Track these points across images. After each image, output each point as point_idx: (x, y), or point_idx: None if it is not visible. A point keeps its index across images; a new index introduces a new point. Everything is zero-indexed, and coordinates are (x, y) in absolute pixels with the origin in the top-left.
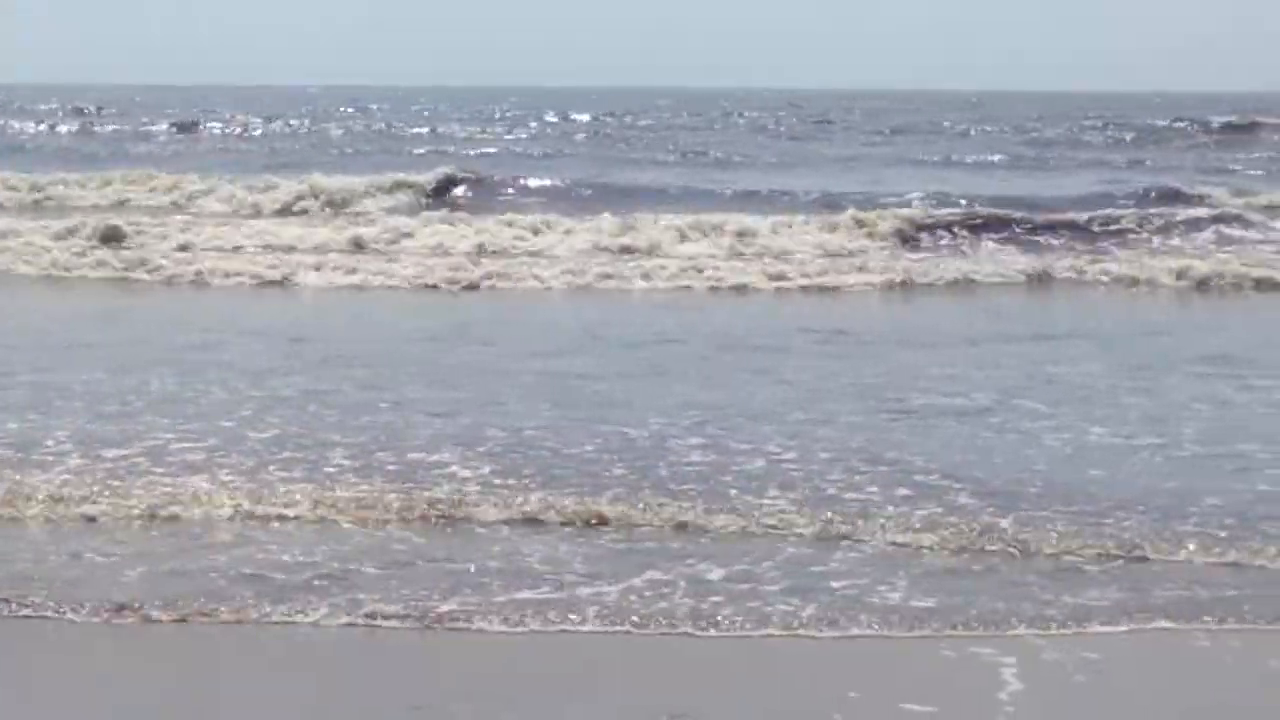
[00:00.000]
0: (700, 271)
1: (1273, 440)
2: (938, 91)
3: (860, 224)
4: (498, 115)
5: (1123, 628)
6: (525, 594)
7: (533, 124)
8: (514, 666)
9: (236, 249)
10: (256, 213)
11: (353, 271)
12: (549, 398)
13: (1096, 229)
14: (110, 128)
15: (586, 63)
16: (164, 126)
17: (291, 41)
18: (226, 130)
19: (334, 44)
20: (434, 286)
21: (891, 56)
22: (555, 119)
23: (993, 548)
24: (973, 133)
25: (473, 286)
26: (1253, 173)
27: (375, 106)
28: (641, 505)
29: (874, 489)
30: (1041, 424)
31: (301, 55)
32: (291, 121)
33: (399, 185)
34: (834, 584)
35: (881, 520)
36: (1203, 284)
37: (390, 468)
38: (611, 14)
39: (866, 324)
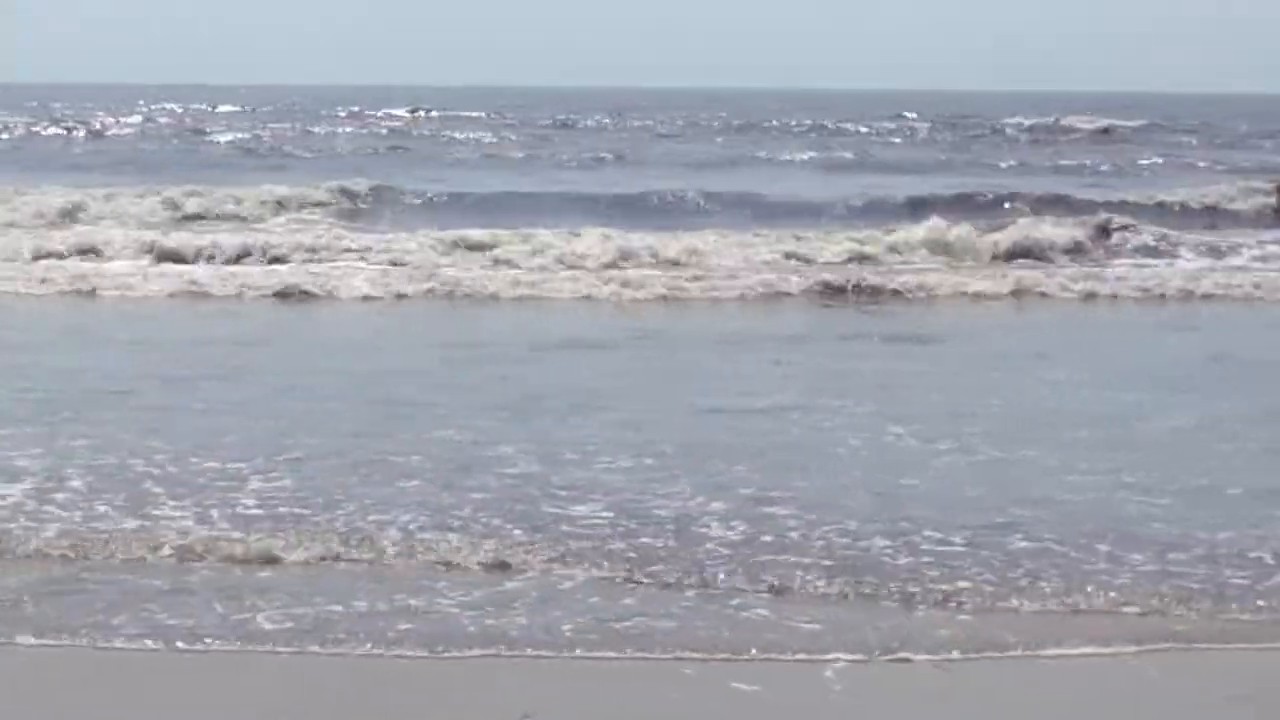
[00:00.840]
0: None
1: (1061, 444)
2: (940, 92)
3: None
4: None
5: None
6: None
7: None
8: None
9: None
10: None
11: None
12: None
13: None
14: None
15: (586, 63)
16: None
17: (292, 41)
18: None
19: (334, 44)
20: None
21: (889, 58)
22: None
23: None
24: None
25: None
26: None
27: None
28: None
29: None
30: (843, 423)
31: (302, 55)
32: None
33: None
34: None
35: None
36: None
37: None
38: (611, 14)
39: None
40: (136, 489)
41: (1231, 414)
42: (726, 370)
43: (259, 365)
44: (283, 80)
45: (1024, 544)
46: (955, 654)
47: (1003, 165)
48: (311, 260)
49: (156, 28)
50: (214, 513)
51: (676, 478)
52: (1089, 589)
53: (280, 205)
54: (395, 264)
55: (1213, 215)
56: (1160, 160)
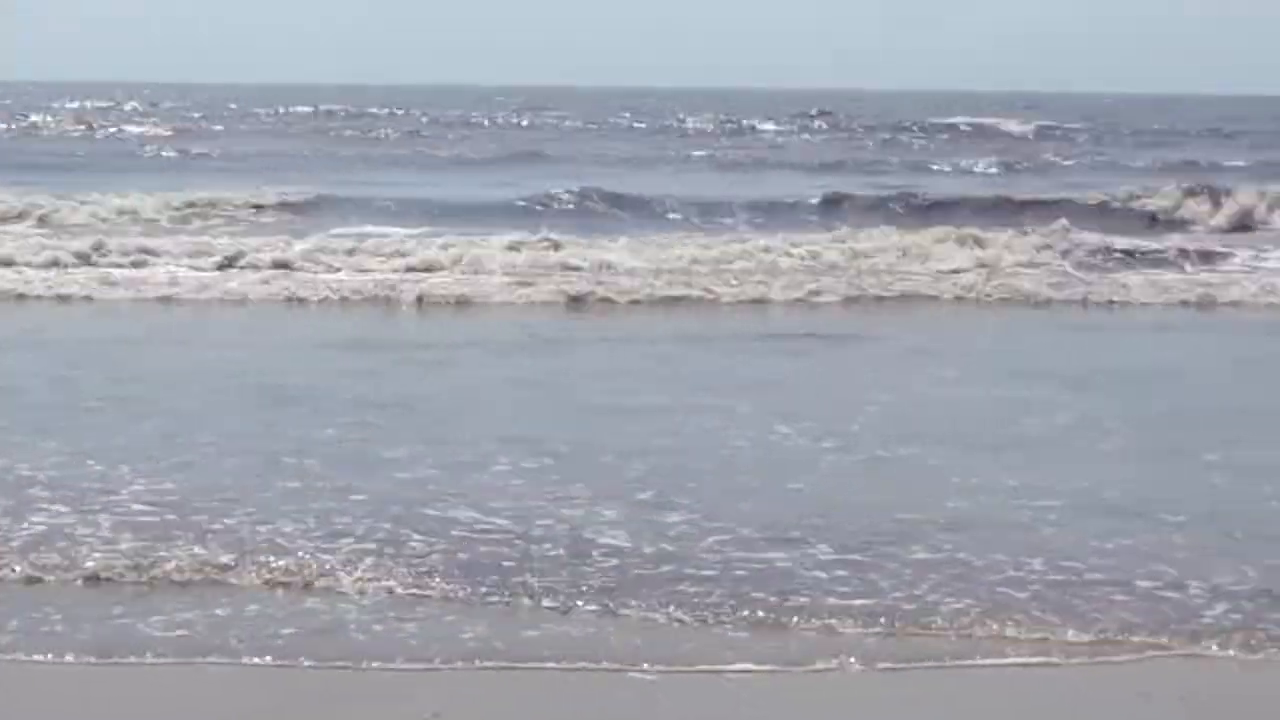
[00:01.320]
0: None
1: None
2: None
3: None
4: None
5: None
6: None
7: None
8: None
9: None
10: None
11: None
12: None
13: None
14: None
15: (587, 63)
16: None
17: (292, 41)
18: None
19: (334, 44)
20: None
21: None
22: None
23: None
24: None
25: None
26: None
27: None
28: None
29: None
30: (737, 424)
31: (301, 55)
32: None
33: None
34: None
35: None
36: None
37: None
38: (611, 14)
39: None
40: (22, 493)
41: (1116, 414)
42: (619, 370)
43: (149, 368)
44: (284, 80)
45: (924, 555)
46: (877, 666)
47: (895, 161)
48: (204, 267)
49: (156, 28)
50: (101, 519)
51: (572, 482)
52: (994, 597)
53: (170, 207)
54: (286, 267)
55: (1118, 216)
56: (1073, 162)
